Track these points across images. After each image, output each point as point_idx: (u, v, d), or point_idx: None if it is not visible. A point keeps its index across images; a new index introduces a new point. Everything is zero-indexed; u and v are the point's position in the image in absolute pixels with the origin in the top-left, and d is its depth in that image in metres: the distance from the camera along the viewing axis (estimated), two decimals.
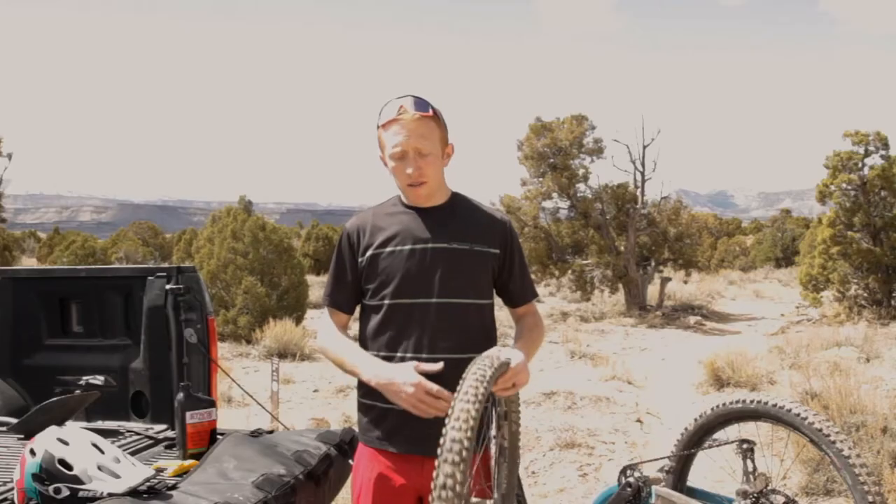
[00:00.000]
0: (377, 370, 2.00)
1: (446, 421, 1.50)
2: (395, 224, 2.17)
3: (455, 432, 1.46)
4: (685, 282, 25.16)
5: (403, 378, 1.90)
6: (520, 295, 2.26)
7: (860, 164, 15.43)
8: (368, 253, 2.16)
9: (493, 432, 1.95)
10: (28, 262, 33.65)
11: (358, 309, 2.27)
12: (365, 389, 2.16)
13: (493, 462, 1.93)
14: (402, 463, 2.10)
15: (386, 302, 2.13)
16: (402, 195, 2.22)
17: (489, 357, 1.72)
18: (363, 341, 2.18)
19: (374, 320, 2.15)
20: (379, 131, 2.15)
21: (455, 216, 2.19)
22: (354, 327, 2.26)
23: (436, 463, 1.46)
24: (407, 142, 2.08)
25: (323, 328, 2.23)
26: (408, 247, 2.13)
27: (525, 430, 5.23)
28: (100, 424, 3.01)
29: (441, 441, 1.47)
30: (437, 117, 2.13)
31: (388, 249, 2.14)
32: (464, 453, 1.43)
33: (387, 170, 2.19)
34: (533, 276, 2.90)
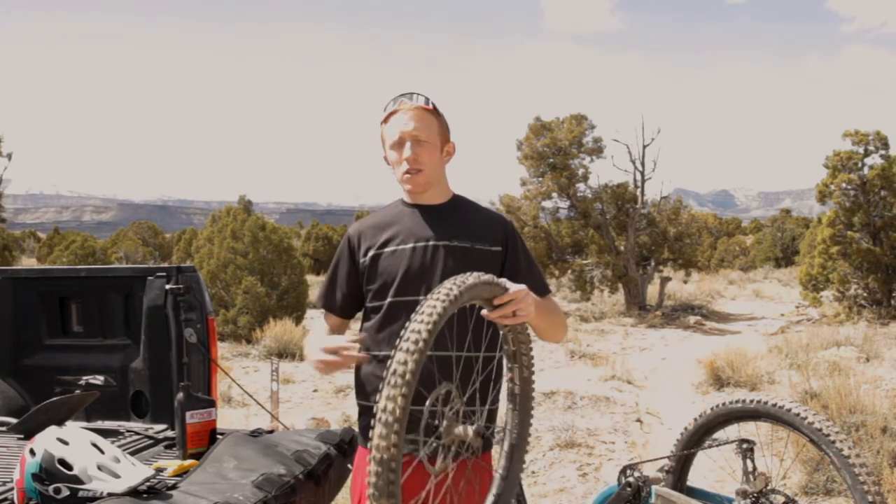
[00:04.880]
0: (310, 347, 2.03)
1: (413, 316, 1.49)
2: (396, 223, 2.19)
3: (416, 324, 1.46)
4: (685, 282, 25.18)
5: (314, 348, 1.94)
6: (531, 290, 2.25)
7: (860, 164, 15.44)
8: (370, 253, 2.17)
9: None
10: (28, 262, 33.65)
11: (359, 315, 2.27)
12: (365, 392, 2.16)
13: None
14: (405, 464, 2.10)
15: (388, 300, 2.13)
16: (403, 193, 2.23)
17: (479, 271, 1.69)
18: (366, 343, 2.19)
19: (376, 319, 2.16)
20: (381, 128, 2.19)
21: (456, 215, 2.21)
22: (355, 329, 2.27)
23: (392, 353, 1.45)
24: (404, 129, 2.12)
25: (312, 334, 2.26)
26: (409, 245, 2.14)
27: None
28: (100, 424, 3.01)
29: (401, 333, 1.47)
30: (436, 112, 2.17)
31: (390, 249, 2.15)
32: (420, 344, 1.43)
33: (389, 168, 2.21)
34: None
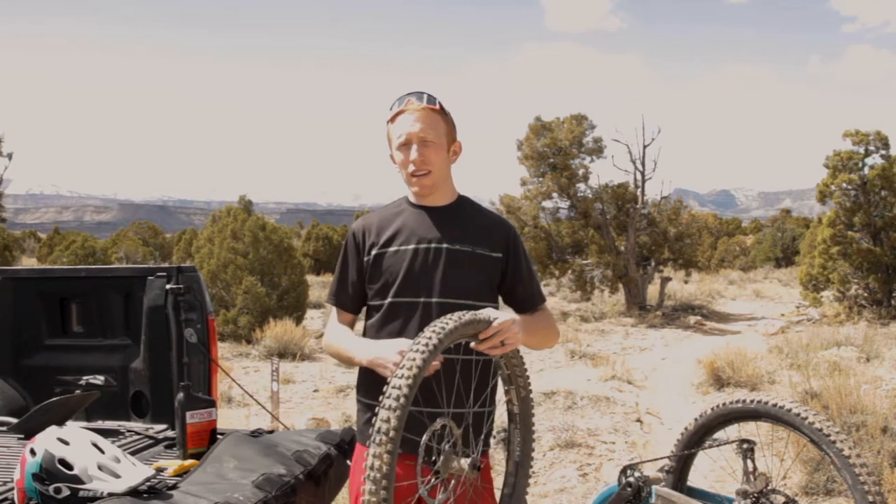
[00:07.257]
0: (368, 349, 2.05)
1: (396, 370, 1.56)
2: (400, 223, 2.19)
3: (397, 380, 1.53)
4: (685, 282, 25.17)
5: (389, 350, 1.94)
6: (527, 299, 2.23)
7: (860, 164, 15.43)
8: (374, 252, 2.18)
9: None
10: (28, 262, 33.64)
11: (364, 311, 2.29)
12: (365, 388, 2.17)
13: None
14: (401, 463, 2.10)
15: (388, 300, 2.14)
16: (409, 193, 2.23)
17: (460, 312, 1.73)
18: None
19: (376, 318, 2.18)
20: (387, 127, 2.19)
21: (460, 218, 2.20)
22: (359, 327, 2.28)
23: (376, 409, 1.52)
24: (411, 130, 2.11)
25: (328, 327, 2.28)
26: (412, 246, 2.14)
27: None
28: (100, 424, 3.00)
29: (384, 389, 1.54)
30: (443, 112, 2.16)
31: (393, 248, 2.16)
32: (402, 400, 1.50)
33: (395, 167, 2.21)
34: None
